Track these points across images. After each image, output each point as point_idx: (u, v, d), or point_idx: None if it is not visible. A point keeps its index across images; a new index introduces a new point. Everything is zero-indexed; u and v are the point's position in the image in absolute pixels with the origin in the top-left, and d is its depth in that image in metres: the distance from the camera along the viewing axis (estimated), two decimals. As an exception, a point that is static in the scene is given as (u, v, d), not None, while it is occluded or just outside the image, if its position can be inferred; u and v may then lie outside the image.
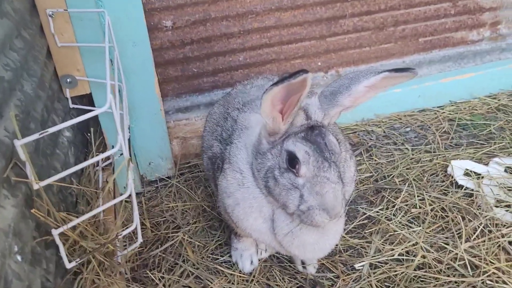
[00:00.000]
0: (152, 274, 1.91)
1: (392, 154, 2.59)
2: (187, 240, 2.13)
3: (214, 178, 1.89)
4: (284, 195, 1.49)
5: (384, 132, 2.80)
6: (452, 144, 2.65)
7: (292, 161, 1.46)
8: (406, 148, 2.61)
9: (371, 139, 2.75)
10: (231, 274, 1.94)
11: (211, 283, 1.88)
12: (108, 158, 2.28)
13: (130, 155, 2.41)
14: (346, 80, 1.54)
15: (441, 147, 2.60)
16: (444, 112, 2.93)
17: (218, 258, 2.04)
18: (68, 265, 1.47)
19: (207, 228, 2.22)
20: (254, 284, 1.89)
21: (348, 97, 1.53)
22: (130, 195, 1.57)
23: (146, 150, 2.52)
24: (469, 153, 2.49)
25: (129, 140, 2.38)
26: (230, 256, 2.03)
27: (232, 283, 1.89)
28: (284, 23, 2.64)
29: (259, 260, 1.99)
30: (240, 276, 1.93)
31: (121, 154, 2.37)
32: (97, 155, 1.94)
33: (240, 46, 2.62)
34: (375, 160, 2.55)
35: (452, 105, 3.00)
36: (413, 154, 2.55)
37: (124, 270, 1.77)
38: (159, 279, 1.89)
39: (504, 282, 1.68)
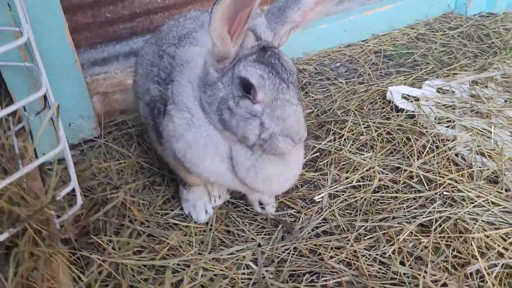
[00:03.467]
0: (98, 238, 1.69)
1: (327, 89, 2.55)
2: (130, 199, 1.92)
3: (155, 126, 1.69)
4: (242, 126, 1.35)
5: (316, 69, 2.75)
6: (382, 74, 2.67)
7: (247, 88, 1.32)
8: (340, 82, 2.59)
9: (304, 77, 2.68)
10: (187, 226, 1.78)
11: (167, 238, 1.71)
12: (20, 121, 1.96)
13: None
14: None
15: (373, 78, 2.61)
16: (369, 45, 2.95)
17: (168, 213, 1.87)
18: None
19: (149, 185, 2.02)
20: (214, 232, 1.75)
21: (298, 10, 1.41)
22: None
23: (64, 110, 2.19)
24: (401, 80, 2.53)
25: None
26: (182, 209, 1.87)
27: (190, 235, 1.74)
28: (204, -44, 2.42)
29: (213, 208, 1.85)
30: (196, 227, 1.78)
31: (36, 113, 2.06)
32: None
33: (158, -14, 2.37)
34: (312, 97, 2.49)
35: (375, 38, 3.03)
36: (348, 87, 2.53)
37: (69, 237, 1.54)
38: (107, 243, 1.68)
39: (459, 190, 1.73)
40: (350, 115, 2.24)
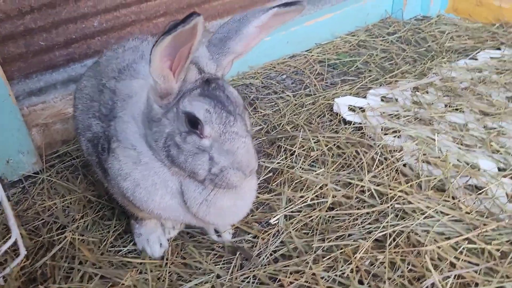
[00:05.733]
0: (45, 287, 1.59)
1: (275, 103, 2.55)
2: (79, 238, 1.83)
3: (99, 163, 1.61)
4: (191, 162, 1.31)
5: (262, 82, 2.74)
6: (328, 84, 2.71)
7: (193, 123, 1.29)
8: (288, 95, 2.59)
9: (251, 91, 2.67)
10: (141, 263, 1.72)
11: (121, 279, 1.64)
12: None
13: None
14: (235, 23, 1.39)
15: (319, 89, 2.64)
16: (313, 55, 2.98)
17: (121, 250, 1.80)
18: None
19: (99, 220, 1.94)
20: (170, 267, 1.70)
21: (239, 41, 1.38)
22: None
23: (1, 146, 2.08)
24: (346, 90, 2.57)
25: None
26: (135, 244, 1.80)
27: (145, 273, 1.68)
28: (139, -23, 2.35)
29: (168, 241, 1.80)
30: (152, 263, 1.72)
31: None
32: None
33: (93, 10, 2.28)
34: (261, 112, 2.48)
35: (318, 47, 3.06)
36: (295, 100, 2.54)
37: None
38: (57, 292, 1.59)
39: (410, 202, 1.77)
40: (300, 130, 2.25)
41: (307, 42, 3.04)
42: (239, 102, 1.36)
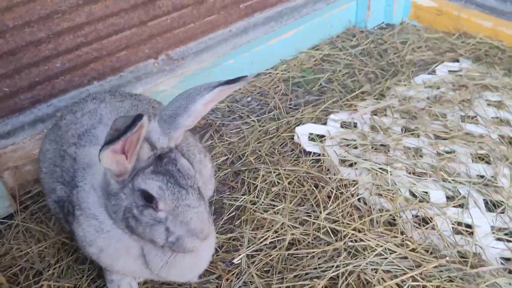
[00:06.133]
0: None
1: (240, 130, 2.64)
2: (54, 285, 1.94)
3: (67, 222, 1.71)
4: (148, 232, 1.41)
5: (228, 106, 2.82)
6: (291, 106, 2.79)
7: (148, 198, 1.38)
8: (253, 120, 2.68)
9: (217, 117, 2.75)
10: (114, 310, 1.84)
11: (96, 328, 1.76)
12: None
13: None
14: (182, 101, 1.46)
15: (283, 112, 2.73)
16: (278, 73, 3.05)
17: (95, 296, 1.91)
18: None
19: (73, 264, 2.04)
20: (141, 312, 1.83)
21: (188, 117, 1.46)
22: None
23: (-29, 196, 2.16)
24: (309, 113, 2.66)
25: None
26: (107, 289, 1.92)
27: (118, 319, 1.80)
28: (97, 16, 2.38)
29: (138, 284, 1.92)
30: (124, 308, 1.84)
31: None
32: None
33: (54, 52, 2.31)
34: (227, 140, 2.57)
35: (283, 64, 3.13)
36: (260, 126, 2.63)
37: None
38: None
39: (362, 240, 1.90)
40: (263, 161, 2.35)
41: (272, 59, 3.11)
42: (191, 173, 1.45)
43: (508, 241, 1.91)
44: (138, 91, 2.63)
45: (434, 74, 2.89)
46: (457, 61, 3.00)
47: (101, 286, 1.95)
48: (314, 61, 3.15)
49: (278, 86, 2.94)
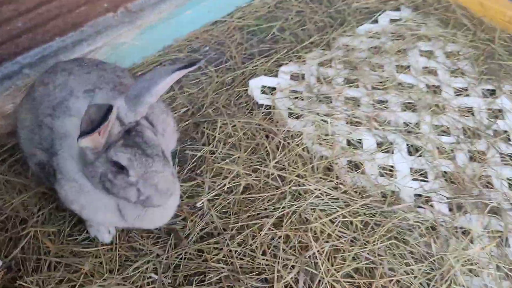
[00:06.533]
0: (22, 281, 2.04)
1: (199, 81, 2.86)
2: (40, 231, 2.24)
3: (48, 181, 1.97)
4: (122, 193, 1.70)
5: (187, 57, 3.00)
6: (246, 55, 3.01)
7: (120, 166, 1.65)
8: (210, 71, 2.90)
9: (177, 68, 2.93)
10: (96, 250, 2.17)
11: (82, 265, 2.11)
12: None
13: None
14: (146, 83, 1.69)
15: (239, 62, 2.94)
16: (233, 21, 3.21)
17: (77, 238, 2.23)
18: None
19: (54, 211, 2.33)
20: (118, 250, 2.17)
21: (151, 96, 1.70)
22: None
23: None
24: (262, 63, 2.89)
25: None
26: (88, 232, 2.24)
27: (99, 257, 2.15)
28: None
29: (115, 228, 2.25)
30: (104, 248, 2.18)
31: None
32: None
33: (15, 13, 2.42)
34: (187, 91, 2.80)
35: (238, 11, 3.27)
36: (217, 77, 2.85)
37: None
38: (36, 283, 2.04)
39: (303, 184, 2.26)
40: (220, 113, 2.62)
41: (228, 7, 3.24)
42: (155, 143, 1.72)
43: (423, 180, 2.33)
44: (99, 44, 2.76)
45: (377, 23, 3.14)
46: (399, 9, 3.23)
47: (82, 229, 2.26)
48: (268, 7, 3.30)
49: (234, 35, 3.12)
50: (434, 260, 2.01)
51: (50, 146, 1.86)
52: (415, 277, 1.96)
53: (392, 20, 3.16)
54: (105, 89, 1.96)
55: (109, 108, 1.45)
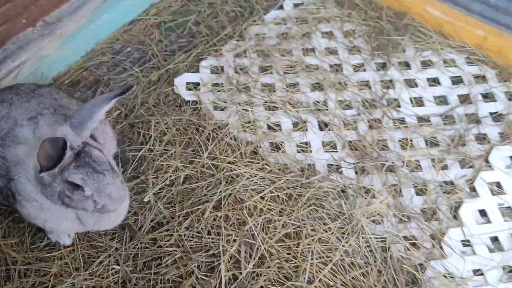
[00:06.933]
0: (-3, 293, 2.28)
1: (127, 82, 3.08)
2: (4, 244, 2.45)
3: (7, 201, 2.19)
4: (81, 205, 1.99)
5: (111, 59, 3.18)
6: (167, 52, 3.25)
7: (76, 185, 1.93)
8: (136, 71, 3.12)
9: (103, 72, 3.13)
10: (60, 252, 2.44)
11: (50, 268, 2.37)
12: None
13: None
14: (87, 111, 1.95)
15: (162, 60, 3.18)
16: (150, 19, 3.40)
17: (39, 246, 2.48)
18: None
19: (12, 224, 2.54)
20: (80, 250, 2.46)
21: (94, 122, 1.97)
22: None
23: None
24: (183, 59, 3.16)
25: None
26: (49, 238, 2.49)
27: (64, 259, 2.42)
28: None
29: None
30: (67, 250, 2.45)
31: None
32: None
33: None
34: (117, 93, 3.01)
35: (153, 8, 3.46)
36: (143, 76, 3.09)
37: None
38: (6, 293, 2.29)
39: (235, 169, 2.64)
40: (152, 112, 2.89)
41: (142, 5, 3.42)
42: (103, 160, 2.00)
43: (333, 151, 2.79)
44: (23, 59, 2.88)
45: (282, 9, 3.48)
46: (300, -6, 3.59)
47: (43, 236, 2.50)
48: (181, 1, 3.52)
49: (153, 33, 3.33)
50: (345, 217, 2.50)
51: (6, 173, 2.07)
52: (332, 233, 2.44)
53: (295, 5, 3.51)
54: (47, 114, 2.17)
55: (64, 144, 1.71)
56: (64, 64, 3.07)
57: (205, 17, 3.42)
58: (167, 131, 2.81)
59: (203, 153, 2.71)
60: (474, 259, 2.41)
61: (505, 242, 2.47)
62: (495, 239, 2.50)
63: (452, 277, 2.36)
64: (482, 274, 2.37)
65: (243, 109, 2.87)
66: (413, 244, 2.47)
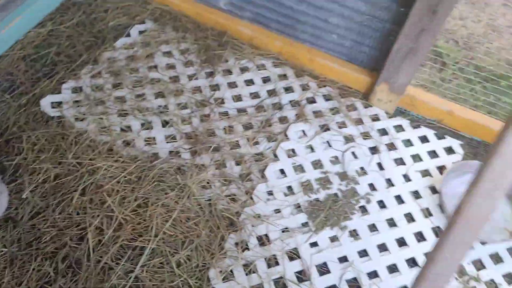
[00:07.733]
0: None
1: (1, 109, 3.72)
2: None
3: None
4: None
5: (-16, 90, 3.80)
6: (34, 79, 3.93)
7: None
8: (7, 98, 3.77)
9: (-22, 101, 3.73)
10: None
11: None
12: None
13: None
14: None
15: (29, 86, 3.86)
16: (16, 53, 4.06)
17: None
18: None
19: None
20: (-28, 243, 3.08)
21: None
22: None
23: None
24: (48, 84, 3.86)
25: None
26: None
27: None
28: None
29: (-36, 229, 3.12)
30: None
31: None
32: None
33: None
34: (-8, 117, 3.65)
35: (18, 44, 4.12)
36: (13, 101, 3.75)
37: None
38: None
39: (96, 164, 3.41)
40: (23, 129, 3.57)
41: (8, 42, 4.06)
42: None
43: (173, 142, 3.68)
44: None
45: (129, 36, 4.33)
46: (144, 22, 4.46)
47: None
48: (42, 36, 4.21)
49: (20, 65, 4.00)
50: (181, 187, 3.40)
51: None
52: (171, 199, 3.33)
53: (140, 32, 4.38)
54: None
55: None
56: None
57: (64, 48, 4.16)
58: (37, 141, 3.51)
59: (68, 155, 3.46)
60: (274, 202, 3.42)
61: (295, 188, 3.52)
62: (289, 188, 3.55)
63: (259, 217, 3.35)
64: (279, 212, 3.40)
65: (99, 118, 3.67)
66: (233, 199, 3.43)
